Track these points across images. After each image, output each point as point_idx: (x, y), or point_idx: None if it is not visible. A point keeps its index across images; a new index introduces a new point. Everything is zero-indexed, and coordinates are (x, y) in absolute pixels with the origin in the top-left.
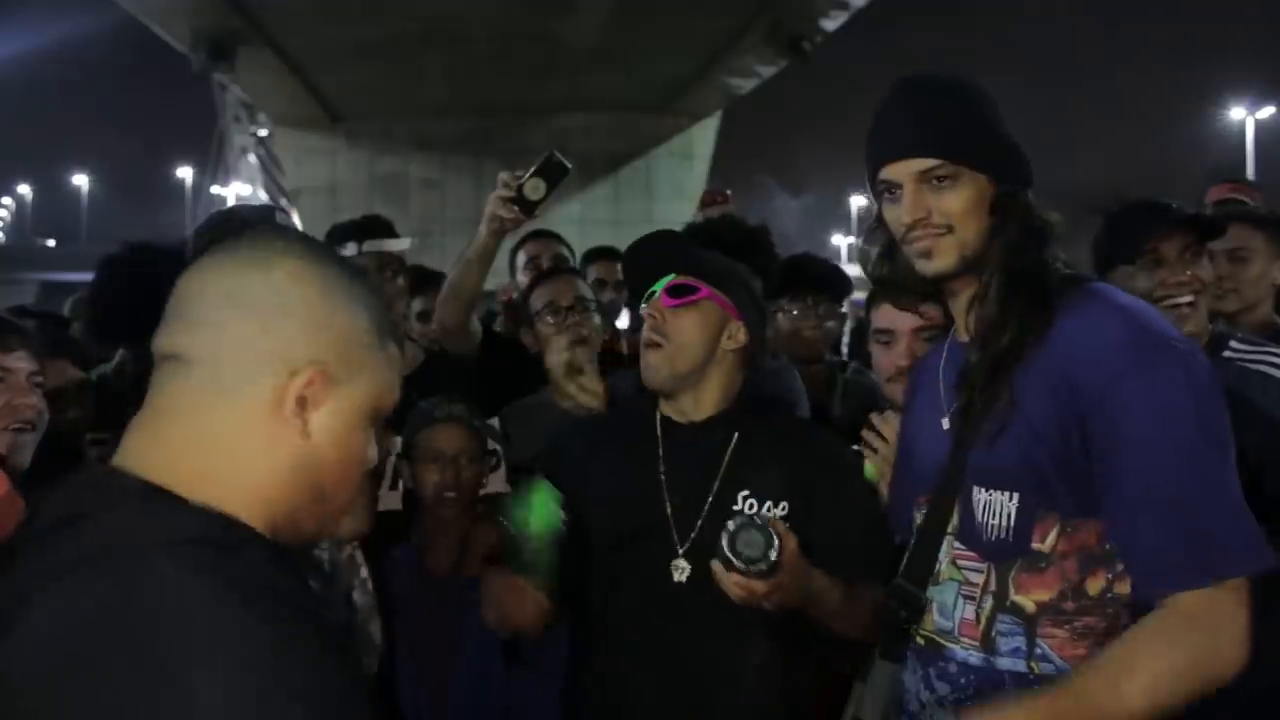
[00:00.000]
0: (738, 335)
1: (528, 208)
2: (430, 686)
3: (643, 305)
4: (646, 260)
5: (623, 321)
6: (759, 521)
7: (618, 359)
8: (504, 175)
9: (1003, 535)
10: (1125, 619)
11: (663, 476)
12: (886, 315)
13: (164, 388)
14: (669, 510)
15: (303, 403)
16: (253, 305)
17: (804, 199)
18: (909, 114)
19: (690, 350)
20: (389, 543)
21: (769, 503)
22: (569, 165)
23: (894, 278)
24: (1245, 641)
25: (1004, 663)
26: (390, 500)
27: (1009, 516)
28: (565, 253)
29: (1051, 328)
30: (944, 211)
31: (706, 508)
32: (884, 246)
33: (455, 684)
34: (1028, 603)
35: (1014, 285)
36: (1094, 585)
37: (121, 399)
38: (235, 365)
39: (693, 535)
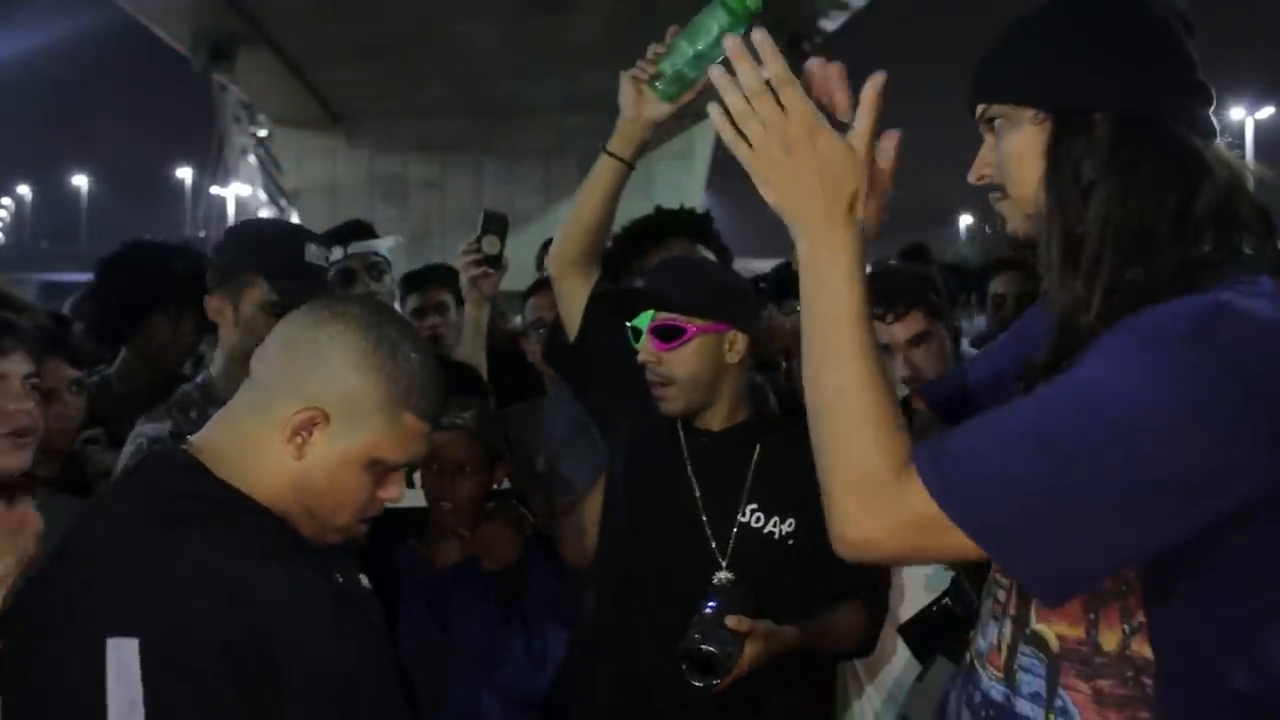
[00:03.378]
0: (738, 345)
1: (494, 262)
2: (432, 681)
3: (637, 345)
4: (620, 305)
5: None
6: (705, 650)
7: None
8: (463, 246)
9: None
10: (1151, 691)
11: (696, 490)
12: (877, 331)
13: (239, 393)
14: (703, 516)
15: (301, 433)
16: (295, 351)
17: None
18: (981, 59)
19: (698, 380)
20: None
21: (775, 518)
22: (505, 214)
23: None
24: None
25: (1023, 706)
26: (413, 498)
27: None
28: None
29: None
30: (998, 166)
31: (738, 525)
32: None
33: (457, 680)
34: (1049, 634)
35: (1095, 262)
36: (1109, 639)
37: (123, 400)
38: (271, 391)
39: (730, 546)
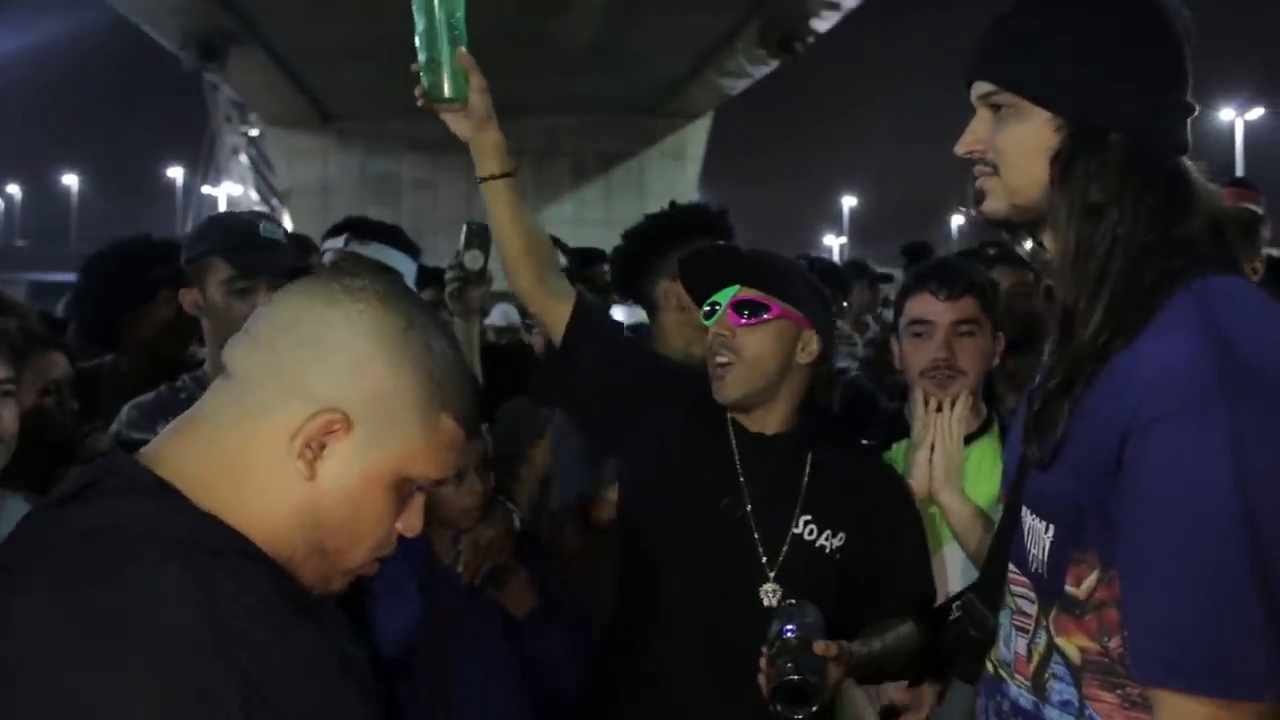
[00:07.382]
0: (811, 346)
1: (477, 278)
2: (436, 676)
3: (709, 322)
4: (706, 272)
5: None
6: (805, 681)
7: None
8: (448, 261)
9: (1040, 569)
10: None
11: (746, 494)
12: (923, 305)
13: (209, 396)
14: (754, 528)
15: (315, 446)
16: (302, 336)
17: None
18: (993, 28)
19: (765, 367)
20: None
21: (828, 530)
22: (487, 225)
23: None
24: None
25: (1052, 714)
26: None
27: (1044, 549)
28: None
29: (1134, 341)
30: (996, 147)
31: (790, 535)
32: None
33: (460, 674)
34: (1070, 649)
35: (1099, 277)
36: None
37: (117, 392)
38: (267, 389)
39: (780, 559)
